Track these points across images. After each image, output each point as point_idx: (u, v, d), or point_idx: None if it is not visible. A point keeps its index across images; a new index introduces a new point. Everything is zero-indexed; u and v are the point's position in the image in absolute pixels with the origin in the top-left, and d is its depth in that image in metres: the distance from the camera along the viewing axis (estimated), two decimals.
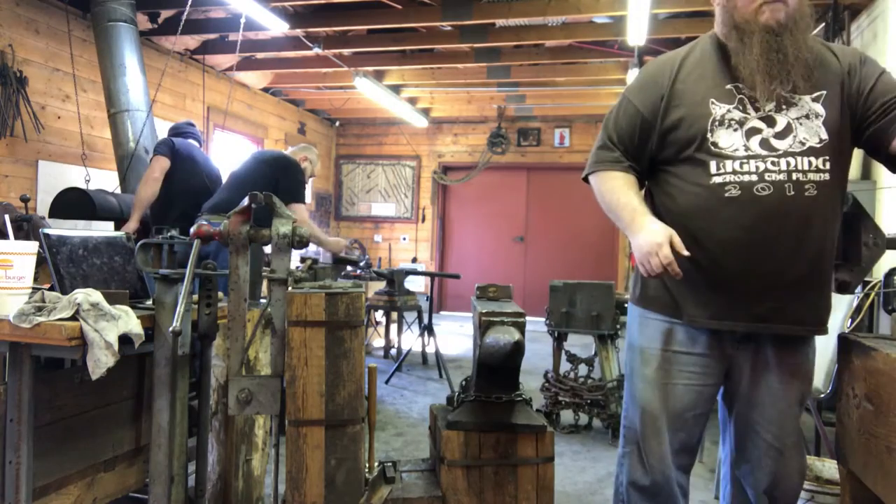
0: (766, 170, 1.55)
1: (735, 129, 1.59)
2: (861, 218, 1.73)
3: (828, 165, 1.56)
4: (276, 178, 3.70)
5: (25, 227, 3.25)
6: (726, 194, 1.57)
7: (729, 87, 1.62)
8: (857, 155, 4.39)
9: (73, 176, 5.08)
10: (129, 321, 1.78)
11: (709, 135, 1.60)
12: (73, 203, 4.27)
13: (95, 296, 1.74)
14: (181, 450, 1.94)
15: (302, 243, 1.87)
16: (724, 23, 1.64)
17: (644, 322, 1.76)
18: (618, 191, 1.68)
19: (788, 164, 1.55)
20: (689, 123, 1.62)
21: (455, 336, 7.66)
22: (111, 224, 4.33)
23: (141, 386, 2.29)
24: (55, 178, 4.95)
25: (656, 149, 1.69)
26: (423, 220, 9.67)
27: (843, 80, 1.60)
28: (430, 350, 5.64)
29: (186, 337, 1.95)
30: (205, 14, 5.65)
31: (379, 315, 6.42)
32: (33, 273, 1.84)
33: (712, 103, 1.61)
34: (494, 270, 9.14)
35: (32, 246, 1.82)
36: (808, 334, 1.67)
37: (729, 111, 1.60)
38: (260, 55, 6.77)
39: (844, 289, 1.78)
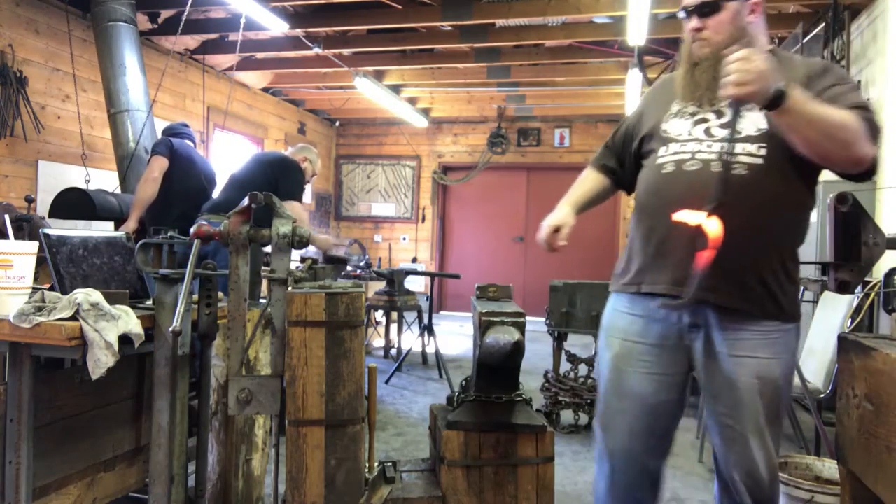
0: (700, 151, 1.71)
1: (686, 119, 1.78)
2: (861, 218, 1.73)
3: (763, 151, 1.64)
4: (276, 179, 3.71)
5: (25, 227, 3.25)
6: (662, 171, 1.76)
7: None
8: None
9: (73, 176, 5.08)
10: (129, 321, 1.78)
11: (662, 124, 1.82)
12: (73, 203, 4.27)
13: (95, 296, 1.74)
14: (181, 450, 1.94)
15: (302, 243, 1.87)
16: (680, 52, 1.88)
17: (612, 314, 1.90)
18: (578, 181, 2.01)
19: (721, 147, 1.67)
20: (653, 120, 1.85)
21: (455, 336, 7.66)
22: (111, 224, 4.33)
23: (141, 386, 2.29)
24: (55, 178, 4.95)
25: (637, 147, 1.91)
26: (423, 220, 9.67)
27: (804, 85, 1.65)
28: (430, 350, 5.64)
29: (186, 337, 1.95)
30: (205, 14, 5.65)
31: (379, 315, 6.42)
32: (33, 273, 1.84)
33: (675, 103, 1.83)
34: (494, 270, 9.14)
35: (32, 246, 1.82)
36: (727, 305, 1.67)
37: (686, 106, 1.80)
38: (260, 55, 6.77)
39: (844, 289, 1.78)
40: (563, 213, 1.87)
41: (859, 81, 4.58)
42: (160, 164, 3.93)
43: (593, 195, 1.98)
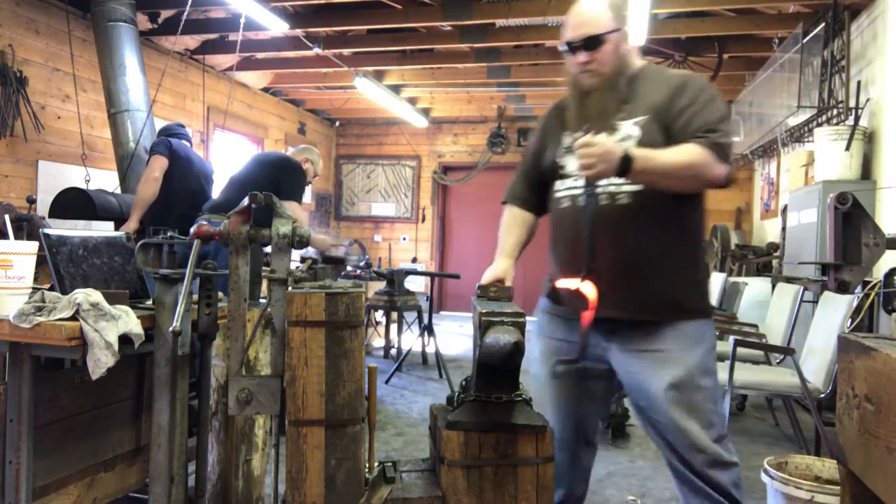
0: (589, 185, 1.88)
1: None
2: (861, 218, 1.73)
3: None
4: (277, 180, 3.70)
5: (25, 227, 3.26)
6: (561, 206, 1.95)
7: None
8: (857, 155, 4.41)
9: (73, 176, 5.08)
10: (129, 321, 1.78)
11: (559, 160, 1.98)
12: (73, 203, 4.27)
13: (95, 296, 1.74)
14: (181, 450, 1.94)
15: (302, 243, 1.87)
16: (568, 81, 2.02)
17: (541, 315, 2.09)
18: (503, 226, 2.11)
19: (607, 181, 1.82)
20: (551, 153, 2.02)
21: (455, 336, 7.66)
22: (111, 224, 4.33)
23: (141, 386, 2.29)
24: (55, 178, 4.95)
25: (543, 176, 2.06)
26: (423, 220, 9.67)
27: (664, 105, 1.85)
28: (430, 350, 5.64)
29: (186, 337, 1.95)
30: (205, 14, 5.65)
31: (379, 315, 6.42)
32: (33, 273, 1.84)
33: (566, 135, 1.97)
34: None
35: (32, 246, 1.82)
36: (629, 318, 1.85)
37: (574, 140, 1.92)
38: (260, 55, 6.77)
39: (844, 289, 1.78)
40: (502, 267, 1.99)
41: (859, 82, 4.58)
42: (160, 164, 3.93)
43: (524, 239, 2.09)
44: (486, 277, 1.98)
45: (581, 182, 1.89)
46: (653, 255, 1.84)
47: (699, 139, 1.75)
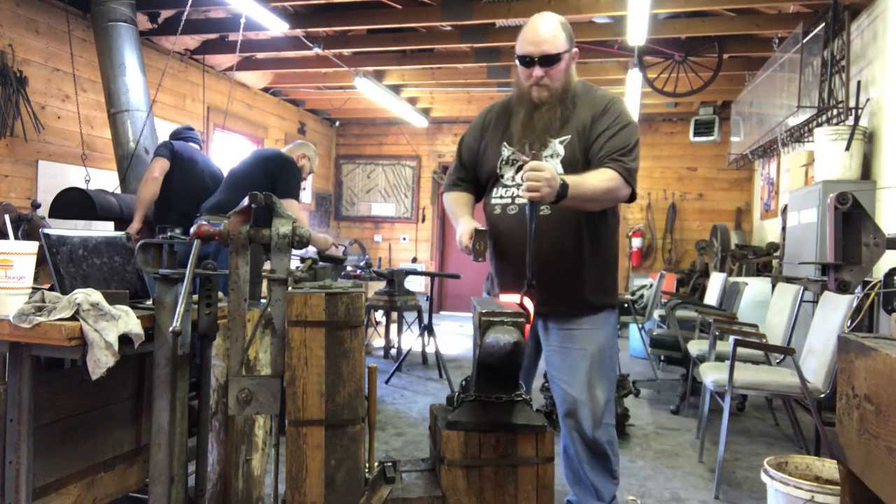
0: (517, 195, 2.13)
1: (513, 165, 2.18)
2: (861, 218, 1.73)
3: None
4: (272, 176, 3.70)
5: (25, 227, 3.26)
6: (495, 211, 2.21)
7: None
8: (857, 155, 4.41)
9: (73, 176, 5.08)
10: (129, 321, 1.78)
11: (499, 170, 2.21)
12: (73, 203, 4.27)
13: (95, 296, 1.74)
14: (181, 450, 1.94)
15: (302, 243, 1.87)
16: (515, 90, 2.24)
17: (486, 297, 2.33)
18: (453, 205, 2.32)
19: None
20: (491, 161, 2.23)
21: (455, 336, 7.66)
22: (111, 224, 4.33)
23: (141, 386, 2.29)
24: (55, 178, 4.95)
25: (480, 174, 2.30)
26: (423, 220, 9.67)
27: (586, 126, 2.10)
28: (430, 350, 5.64)
29: (186, 337, 1.95)
30: (205, 14, 5.65)
31: (379, 315, 6.42)
32: (33, 273, 1.84)
33: (504, 147, 2.21)
34: None
35: (32, 246, 1.82)
36: (550, 312, 2.19)
37: (514, 153, 2.18)
38: (260, 55, 6.77)
39: (844, 289, 1.78)
40: (468, 223, 2.20)
41: (859, 82, 4.58)
42: (160, 165, 3.97)
43: (471, 209, 2.32)
44: (465, 232, 2.16)
45: (510, 193, 2.15)
46: (569, 260, 2.13)
47: (613, 163, 2.01)
